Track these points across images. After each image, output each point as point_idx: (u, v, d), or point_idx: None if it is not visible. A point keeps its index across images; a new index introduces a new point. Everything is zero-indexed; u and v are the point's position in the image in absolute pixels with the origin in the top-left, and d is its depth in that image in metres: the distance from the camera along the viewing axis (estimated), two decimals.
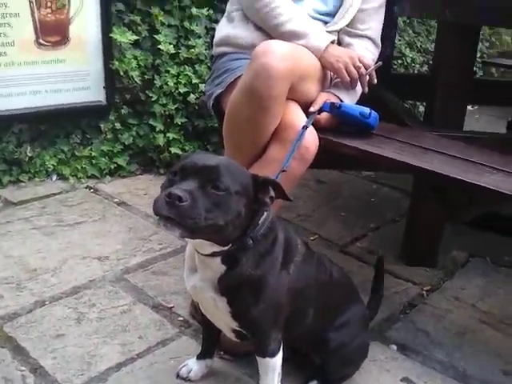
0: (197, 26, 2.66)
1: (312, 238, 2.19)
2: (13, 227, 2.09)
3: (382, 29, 1.85)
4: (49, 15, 2.31)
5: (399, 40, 3.75)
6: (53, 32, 2.35)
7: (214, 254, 1.11)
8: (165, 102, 2.60)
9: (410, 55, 3.79)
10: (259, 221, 1.12)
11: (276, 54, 1.42)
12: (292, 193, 2.29)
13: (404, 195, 2.53)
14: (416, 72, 3.84)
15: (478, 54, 4.44)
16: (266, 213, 1.14)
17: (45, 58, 2.37)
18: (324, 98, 1.61)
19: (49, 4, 2.29)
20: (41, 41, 2.34)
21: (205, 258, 1.13)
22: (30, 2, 2.24)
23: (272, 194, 1.10)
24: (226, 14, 1.83)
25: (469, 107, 4.01)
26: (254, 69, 1.43)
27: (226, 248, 1.10)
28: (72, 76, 2.47)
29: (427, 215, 1.91)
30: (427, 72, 3.87)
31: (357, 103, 1.72)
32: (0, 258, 1.88)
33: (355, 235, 2.24)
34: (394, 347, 1.58)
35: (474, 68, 4.27)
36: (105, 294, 1.73)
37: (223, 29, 1.79)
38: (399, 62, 3.74)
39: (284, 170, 1.34)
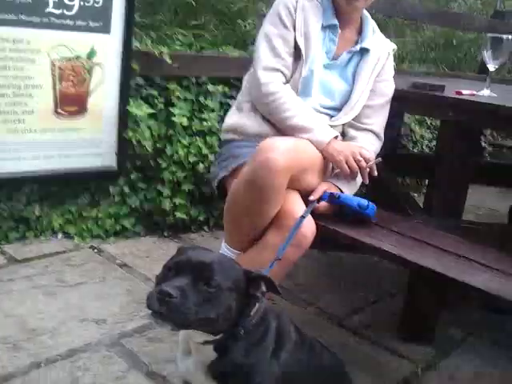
0: (211, 100, 2.79)
1: (309, 310, 2.20)
2: (15, 286, 2.13)
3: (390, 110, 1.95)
4: (70, 88, 2.41)
5: (409, 117, 3.88)
6: (72, 103, 2.44)
7: (205, 343, 1.16)
8: (174, 169, 2.69)
9: (419, 132, 3.91)
10: (251, 312, 1.18)
11: (278, 149, 1.53)
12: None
13: (404, 269, 2.54)
14: (425, 147, 3.94)
15: (488, 132, 4.55)
16: (257, 304, 1.19)
17: (61, 126, 2.44)
18: (324, 187, 1.70)
19: (71, 78, 2.40)
20: (59, 110, 2.42)
21: (197, 345, 1.18)
22: (53, 76, 2.35)
23: (263, 289, 1.16)
24: (236, 103, 1.95)
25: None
26: (257, 161, 1.53)
27: (218, 337, 1.15)
28: (86, 143, 2.53)
29: (423, 300, 1.94)
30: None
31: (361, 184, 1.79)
32: (0, 317, 1.91)
33: (353, 308, 2.26)
34: None
35: (483, 145, 4.40)
36: (100, 358, 1.75)
37: (232, 117, 1.90)
38: (408, 138, 3.85)
39: (279, 259, 1.40)
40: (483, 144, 4.47)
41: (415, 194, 3.62)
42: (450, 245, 1.63)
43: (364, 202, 1.66)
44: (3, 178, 2.39)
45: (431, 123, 4.07)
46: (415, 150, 3.90)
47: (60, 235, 2.58)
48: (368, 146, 1.84)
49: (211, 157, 2.67)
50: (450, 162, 2.00)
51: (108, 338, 1.86)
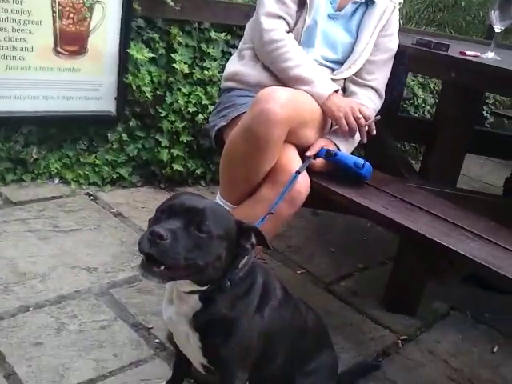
0: (213, 48, 2.73)
1: (299, 272, 2.22)
2: (9, 227, 2.14)
3: (393, 70, 1.90)
4: (70, 26, 2.37)
5: (412, 80, 3.80)
6: (72, 42, 2.41)
7: (192, 292, 1.15)
8: (173, 119, 2.65)
9: (422, 96, 3.84)
10: (239, 264, 1.17)
11: (278, 100, 1.48)
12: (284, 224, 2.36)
13: (397, 237, 2.54)
14: (426, 113, 3.89)
15: (491, 101, 4.49)
16: (246, 257, 1.18)
17: (61, 66, 2.43)
18: (321, 144, 1.66)
19: (71, 15, 2.35)
20: (59, 49, 2.39)
21: (183, 294, 1.17)
22: (53, 12, 2.31)
23: (253, 241, 1.14)
24: (237, 50, 1.89)
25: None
26: (255, 112, 1.48)
27: (205, 288, 1.14)
28: (85, 85, 2.52)
29: (411, 267, 1.94)
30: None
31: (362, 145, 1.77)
32: None
33: (342, 273, 2.27)
34: None
35: (486, 114, 4.34)
36: (88, 306, 1.77)
37: (233, 65, 1.84)
38: (410, 102, 3.78)
39: (271, 213, 1.39)
40: (485, 114, 4.41)
41: (413, 162, 3.59)
42: (442, 211, 1.61)
43: (360, 161, 1.63)
44: (1, 117, 2.38)
45: (434, 87, 3.99)
46: (416, 115, 3.84)
47: (57, 180, 2.58)
48: (368, 102, 1.79)
49: (211, 108, 2.62)
50: (448, 127, 1.96)
51: (98, 287, 1.87)
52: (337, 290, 2.14)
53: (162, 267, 1.04)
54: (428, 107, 3.93)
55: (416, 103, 3.86)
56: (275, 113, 1.48)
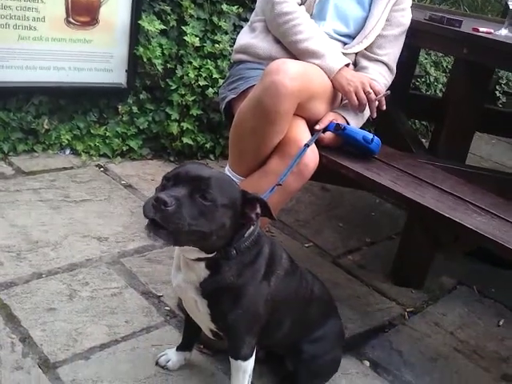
0: (225, 22, 2.71)
1: (306, 245, 2.24)
2: (21, 196, 2.17)
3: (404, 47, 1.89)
4: None
5: (425, 58, 3.76)
6: (83, 12, 2.41)
7: (198, 259, 1.18)
8: (183, 92, 2.65)
9: (434, 74, 3.80)
10: (245, 234, 1.18)
11: (288, 72, 1.47)
12: (295, 196, 2.38)
13: (405, 213, 2.57)
14: (438, 91, 3.85)
15: (504, 81, 4.43)
16: (252, 227, 1.20)
17: (72, 37, 2.44)
18: (330, 117, 1.66)
19: None
20: (70, 19, 2.40)
21: (190, 262, 1.20)
22: None
23: (258, 211, 1.16)
24: (249, 23, 1.88)
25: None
26: (265, 84, 1.49)
27: (211, 255, 1.16)
28: (96, 57, 2.53)
29: (418, 241, 1.96)
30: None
31: (369, 118, 1.77)
32: (5, 226, 1.96)
33: (349, 248, 2.29)
34: (367, 363, 1.64)
35: (498, 94, 4.30)
36: (99, 274, 1.80)
37: (244, 37, 1.84)
38: (422, 79, 3.75)
39: (280, 184, 1.40)
40: (498, 93, 4.37)
41: (423, 140, 3.57)
42: (449, 186, 1.62)
43: (369, 135, 1.63)
44: (13, 87, 2.40)
45: (447, 66, 3.95)
46: (428, 94, 3.81)
47: (67, 151, 2.60)
48: (379, 77, 1.79)
49: (221, 82, 2.61)
50: (458, 104, 1.96)
51: (109, 256, 1.91)
52: (344, 264, 2.16)
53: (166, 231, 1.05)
54: (440, 86, 3.89)
55: (428, 81, 3.82)
56: (285, 85, 1.48)
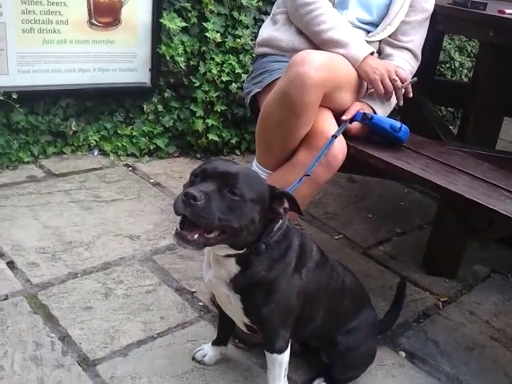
0: (245, 16, 2.71)
1: (336, 238, 2.24)
2: (53, 198, 2.21)
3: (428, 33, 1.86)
4: None
5: (449, 44, 3.70)
6: (105, 13, 2.44)
7: (228, 256, 1.18)
8: (207, 88, 2.66)
9: (459, 59, 3.73)
10: (274, 228, 1.19)
11: (312, 63, 1.47)
12: (322, 189, 2.37)
13: (434, 202, 2.54)
14: (463, 77, 3.79)
15: None
16: (280, 221, 1.20)
17: (95, 38, 2.47)
18: (357, 107, 1.65)
19: None
20: (93, 21, 2.43)
21: (220, 258, 1.20)
22: None
23: (286, 205, 1.16)
24: (271, 15, 1.87)
25: None
26: (290, 76, 1.48)
27: (241, 251, 1.17)
28: (120, 57, 2.56)
29: (451, 229, 1.93)
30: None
31: (396, 107, 1.74)
32: (39, 228, 2.00)
33: (380, 238, 2.27)
34: (403, 354, 1.63)
35: None
36: (133, 272, 1.83)
37: (266, 30, 1.83)
38: (447, 65, 3.68)
39: (308, 175, 1.40)
40: None
41: (450, 127, 3.51)
42: (481, 172, 1.59)
43: (397, 123, 1.62)
44: (40, 91, 2.44)
45: (472, 50, 3.87)
46: (454, 79, 3.74)
47: (96, 152, 2.64)
48: (404, 64, 1.76)
49: (244, 77, 2.62)
50: (486, 89, 1.93)
51: (141, 254, 1.94)
52: (375, 255, 2.15)
53: (196, 236, 1.07)
54: (465, 71, 3.82)
55: (453, 67, 3.76)
56: (310, 76, 1.47)
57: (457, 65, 3.73)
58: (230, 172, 1.09)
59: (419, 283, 1.98)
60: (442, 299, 1.90)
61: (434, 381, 1.54)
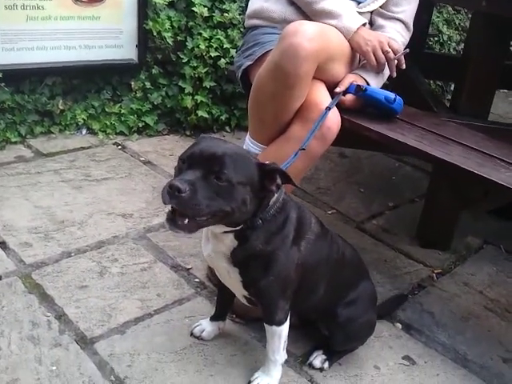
0: None
1: (329, 212, 2.23)
2: (42, 178, 2.18)
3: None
4: None
5: (437, 17, 3.68)
6: None
7: (226, 232, 1.18)
8: (195, 64, 2.63)
9: (447, 33, 3.71)
10: (269, 202, 1.18)
11: (305, 34, 1.44)
12: (314, 165, 2.36)
13: (425, 175, 2.55)
14: (452, 50, 3.77)
15: None
16: (276, 195, 1.18)
17: (80, 14, 2.42)
18: (351, 79, 1.63)
19: None
20: None
21: (218, 234, 1.20)
22: None
23: (279, 181, 1.14)
24: None
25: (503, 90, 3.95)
26: (283, 47, 1.45)
27: (238, 228, 1.16)
28: (106, 33, 2.51)
29: (444, 201, 1.94)
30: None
31: (388, 81, 1.73)
32: (30, 208, 1.97)
33: (372, 212, 2.28)
34: (400, 326, 1.64)
35: None
36: (127, 250, 1.81)
37: (257, 1, 1.79)
38: (435, 39, 3.66)
39: (303, 149, 1.38)
40: None
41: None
42: (475, 142, 1.59)
43: (391, 95, 1.60)
44: (25, 69, 2.39)
45: (460, 24, 3.85)
46: (443, 52, 3.72)
47: (84, 131, 2.60)
48: (396, 36, 1.74)
49: (233, 52, 2.58)
50: (478, 61, 1.91)
51: (135, 232, 1.92)
52: (368, 228, 2.15)
53: (186, 221, 1.06)
54: (454, 44, 3.80)
55: (441, 40, 3.73)
56: (303, 47, 1.44)
57: (445, 38, 3.71)
58: (216, 156, 1.07)
59: (413, 255, 1.99)
60: (436, 271, 1.92)
61: (431, 351, 1.56)
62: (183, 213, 1.05)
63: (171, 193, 1.03)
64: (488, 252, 2.08)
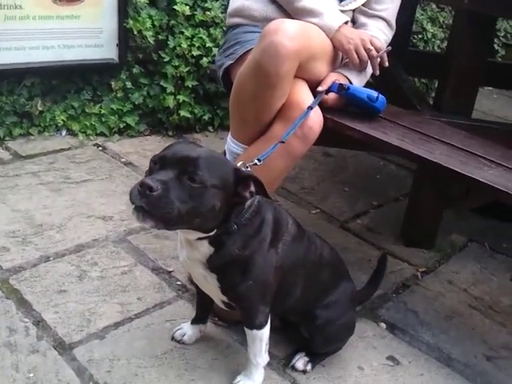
0: None
1: (314, 212, 2.22)
2: (21, 181, 2.14)
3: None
4: None
5: (421, 14, 3.68)
6: None
7: (200, 239, 1.14)
8: (177, 63, 2.59)
9: (431, 30, 3.72)
10: (244, 206, 1.15)
11: (286, 32, 1.42)
12: (297, 164, 2.35)
13: (410, 174, 2.54)
14: (436, 47, 3.78)
15: (502, 33, 4.36)
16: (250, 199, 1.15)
17: (60, 13, 2.37)
18: (333, 78, 1.61)
19: None
20: None
21: (193, 241, 1.16)
22: None
23: (252, 189, 1.11)
24: None
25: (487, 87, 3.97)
26: (263, 46, 1.43)
27: (211, 233, 1.13)
28: (86, 32, 2.47)
29: (427, 199, 1.94)
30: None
31: (371, 79, 1.72)
32: (7, 211, 1.93)
33: (357, 212, 2.27)
34: (384, 325, 1.63)
35: (497, 47, 4.23)
36: (107, 253, 1.78)
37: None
38: (419, 36, 3.67)
39: (283, 142, 1.36)
40: (496, 47, 4.29)
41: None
42: (458, 140, 1.58)
43: (374, 93, 1.59)
44: (3, 69, 2.35)
45: (444, 21, 3.86)
46: (427, 50, 3.73)
47: (64, 132, 2.55)
48: (379, 34, 1.73)
49: (215, 51, 2.55)
50: (461, 58, 1.91)
51: (115, 235, 1.88)
52: (353, 228, 2.14)
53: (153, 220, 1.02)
54: (438, 42, 3.80)
55: (425, 38, 3.74)
56: (284, 45, 1.42)
57: (429, 36, 3.71)
58: (189, 157, 1.04)
59: (397, 254, 1.98)
60: (420, 270, 1.91)
61: (415, 350, 1.55)
62: (152, 214, 1.01)
63: (142, 191, 0.98)
64: (472, 250, 2.08)
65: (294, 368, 1.42)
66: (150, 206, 0.99)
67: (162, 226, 1.05)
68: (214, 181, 1.04)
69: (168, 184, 1.00)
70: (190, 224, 1.07)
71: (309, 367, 1.41)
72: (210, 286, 1.24)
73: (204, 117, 2.73)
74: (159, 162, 1.05)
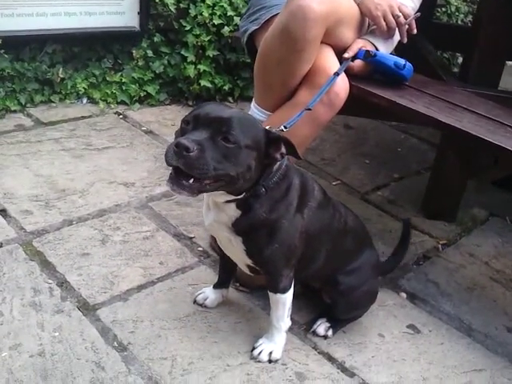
0: None
1: (334, 183, 2.21)
2: (43, 147, 2.15)
3: None
4: None
5: None
6: None
7: (228, 201, 1.14)
8: (198, 32, 2.57)
9: (455, 3, 3.63)
10: (272, 170, 1.14)
11: None
12: (318, 136, 2.33)
13: (431, 147, 2.52)
14: (459, 22, 3.69)
15: None
16: (278, 162, 1.15)
17: None
18: (359, 44, 1.58)
19: None
20: None
21: (220, 204, 1.16)
22: None
23: (283, 150, 1.10)
24: None
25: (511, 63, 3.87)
26: (291, 10, 1.41)
27: (240, 197, 1.13)
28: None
29: (451, 171, 1.91)
30: (470, 22, 3.72)
31: (394, 51, 1.68)
32: (30, 176, 1.95)
33: (377, 184, 2.25)
34: (404, 295, 1.63)
35: None
36: (129, 219, 1.79)
37: None
38: (443, 9, 3.58)
39: (309, 109, 1.35)
40: None
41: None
42: (485, 110, 1.55)
43: (401, 61, 1.56)
44: (25, 35, 2.34)
45: None
46: (451, 23, 3.65)
47: (85, 100, 2.55)
48: (407, 1, 1.68)
49: (237, 20, 2.52)
50: (488, 30, 1.86)
51: (137, 201, 1.89)
52: (373, 199, 2.13)
53: (191, 180, 1.02)
54: (462, 15, 3.72)
55: (449, 11, 3.65)
56: (313, 9, 1.40)
57: (453, 9, 3.63)
58: (223, 117, 1.03)
59: (418, 227, 1.97)
60: (441, 242, 1.90)
61: (436, 320, 1.55)
62: (189, 174, 1.01)
63: (178, 152, 0.98)
64: (494, 223, 2.06)
65: (315, 333, 1.42)
66: (187, 166, 0.99)
67: (197, 193, 1.04)
68: (247, 141, 1.04)
69: (203, 144, 1.00)
70: (224, 187, 1.07)
71: (330, 333, 1.42)
72: (235, 250, 1.24)
73: (224, 87, 2.71)
74: (192, 122, 1.05)
